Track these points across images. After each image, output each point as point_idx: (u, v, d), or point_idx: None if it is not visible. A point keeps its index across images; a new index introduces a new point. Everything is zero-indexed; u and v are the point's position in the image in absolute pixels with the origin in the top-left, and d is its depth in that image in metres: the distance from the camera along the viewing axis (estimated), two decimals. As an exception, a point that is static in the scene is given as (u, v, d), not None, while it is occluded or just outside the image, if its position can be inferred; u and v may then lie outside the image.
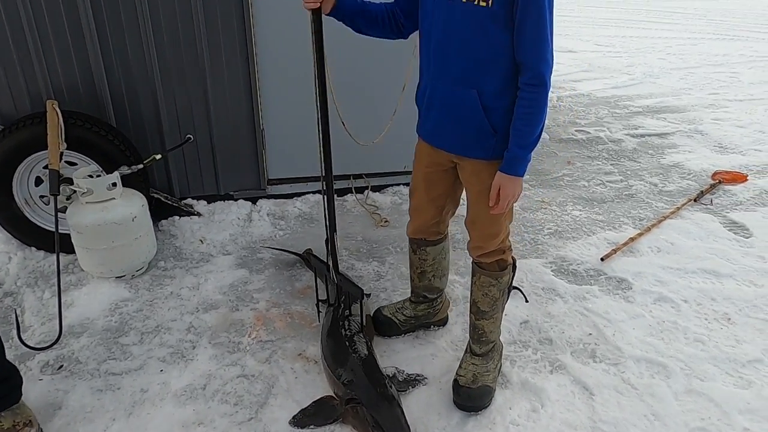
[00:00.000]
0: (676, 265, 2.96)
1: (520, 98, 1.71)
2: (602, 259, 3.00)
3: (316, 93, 2.05)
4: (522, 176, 1.80)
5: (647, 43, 8.86)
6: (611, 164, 4.32)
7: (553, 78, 5.08)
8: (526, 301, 2.57)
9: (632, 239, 3.17)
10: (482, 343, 2.15)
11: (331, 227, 2.24)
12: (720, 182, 3.94)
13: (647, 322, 2.54)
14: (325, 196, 2.21)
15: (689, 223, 3.42)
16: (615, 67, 7.32)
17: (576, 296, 2.70)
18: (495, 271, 2.05)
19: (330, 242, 2.29)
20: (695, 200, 3.68)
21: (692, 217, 3.49)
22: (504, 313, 2.51)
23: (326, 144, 2.14)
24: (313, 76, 2.04)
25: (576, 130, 4.99)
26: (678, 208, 3.56)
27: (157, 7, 2.86)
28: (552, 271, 2.92)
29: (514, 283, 2.21)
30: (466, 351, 2.21)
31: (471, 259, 2.12)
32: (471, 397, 2.04)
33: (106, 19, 2.83)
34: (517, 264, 2.16)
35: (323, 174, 2.18)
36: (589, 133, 4.93)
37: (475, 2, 1.65)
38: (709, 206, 3.64)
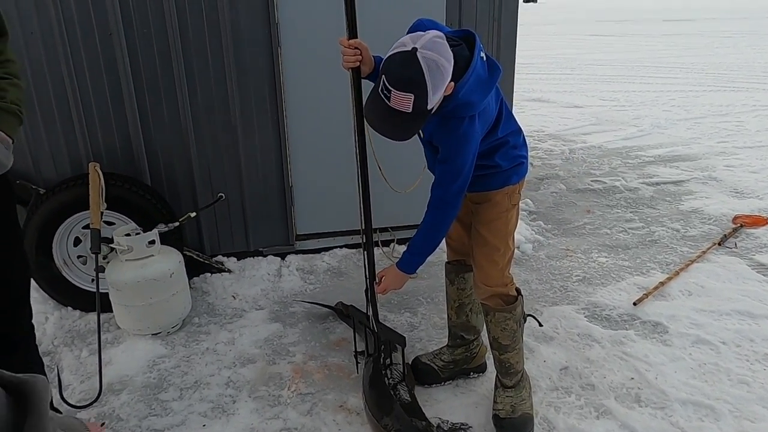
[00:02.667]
0: (709, 308, 2.95)
1: (428, 212, 1.89)
2: (635, 304, 2.99)
3: (356, 146, 2.12)
4: (409, 274, 2.03)
5: (651, 96, 9.08)
6: (631, 212, 4.37)
7: (563, 131, 5.25)
8: (540, 325, 2.53)
9: (662, 283, 3.17)
10: (511, 375, 2.19)
11: (371, 276, 2.27)
12: (741, 226, 3.96)
13: (688, 364, 2.51)
14: (365, 245, 2.25)
15: (716, 266, 3.42)
16: (622, 120, 7.49)
17: (613, 341, 2.68)
18: (505, 306, 2.11)
19: (370, 292, 2.31)
20: (719, 244, 3.70)
21: (719, 260, 3.49)
22: (544, 360, 2.52)
23: (366, 197, 2.18)
24: (354, 131, 2.11)
25: (592, 180, 5.07)
26: (703, 252, 3.57)
27: (193, 73, 3.01)
28: (585, 316, 2.91)
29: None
30: (496, 386, 2.24)
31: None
32: (515, 426, 2.09)
33: (144, 84, 2.98)
34: (522, 294, 2.21)
35: (363, 225, 2.23)
36: (605, 182, 5.00)
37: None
38: (734, 249, 3.65)
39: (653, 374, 2.44)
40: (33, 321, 1.96)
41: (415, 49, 1.55)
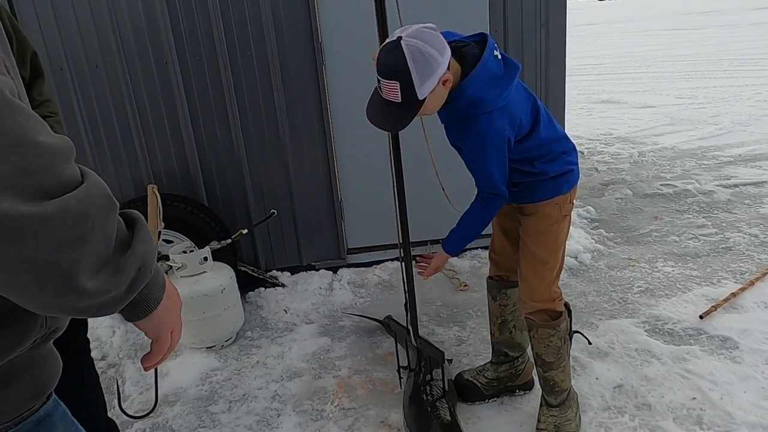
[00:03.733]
0: (788, 321, 2.70)
1: (476, 200, 1.89)
2: (701, 317, 2.79)
3: (391, 162, 2.12)
4: (450, 254, 2.03)
5: (733, 91, 8.48)
6: (703, 217, 4.08)
7: (633, 133, 5.04)
8: (589, 343, 2.40)
9: (734, 294, 2.94)
10: (556, 393, 2.09)
11: (410, 291, 2.26)
12: (832, 230, 3.61)
13: (759, 384, 2.30)
14: (402, 258, 2.25)
15: (800, 275, 3.13)
16: (700, 119, 7.03)
17: (675, 357, 2.51)
18: (549, 321, 2.02)
19: (410, 305, 2.29)
20: (804, 250, 3.38)
21: (802, 269, 3.19)
22: (596, 377, 2.40)
23: (402, 210, 2.18)
24: (388, 143, 2.12)
25: (661, 184, 4.79)
26: (785, 260, 3.28)
27: (243, 95, 3.14)
28: (645, 331, 2.74)
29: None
30: (541, 404, 2.15)
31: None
32: None
33: (198, 109, 3.14)
34: (571, 308, 2.12)
35: (400, 240, 2.22)
36: (676, 186, 4.71)
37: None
38: (821, 256, 3.33)
39: (718, 394, 2.26)
40: (97, 337, 2.09)
41: (399, 38, 1.57)
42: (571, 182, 1.95)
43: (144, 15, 2.95)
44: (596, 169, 5.36)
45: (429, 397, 2.15)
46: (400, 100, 1.61)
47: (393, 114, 1.66)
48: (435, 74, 1.59)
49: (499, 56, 1.74)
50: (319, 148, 3.31)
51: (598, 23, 27.40)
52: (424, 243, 3.58)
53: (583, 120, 7.41)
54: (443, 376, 2.22)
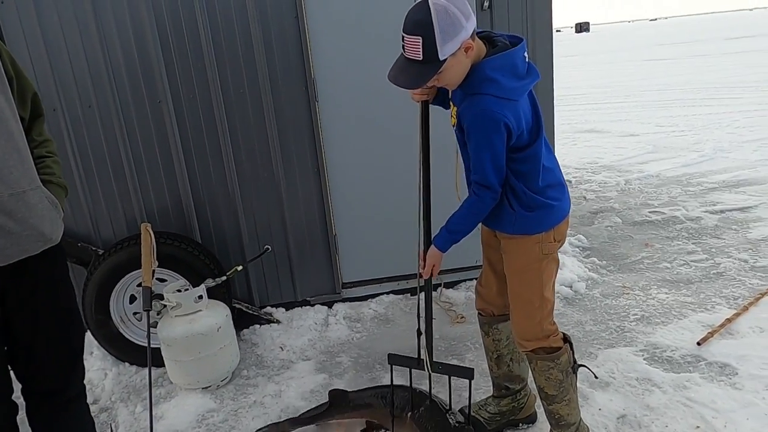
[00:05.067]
0: (784, 346, 2.72)
1: (469, 194, 1.85)
2: (699, 344, 2.80)
3: (419, 182, 2.07)
4: (440, 250, 1.96)
5: (712, 119, 8.70)
6: (693, 243, 4.13)
7: (618, 162, 5.13)
8: (596, 377, 2.39)
9: (729, 320, 2.96)
10: (562, 428, 2.07)
11: (428, 322, 2.18)
12: (819, 253, 3.67)
13: (762, 410, 2.30)
14: (422, 293, 2.18)
15: (791, 298, 3.16)
16: (682, 146, 7.19)
17: (675, 385, 2.51)
18: (547, 355, 2.00)
19: (427, 335, 2.21)
20: (794, 274, 3.43)
21: (794, 293, 3.23)
22: (599, 408, 2.38)
23: (428, 236, 2.13)
24: (419, 167, 2.09)
25: (650, 212, 4.86)
26: (776, 284, 3.32)
27: (236, 133, 3.15)
28: (644, 359, 2.74)
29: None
30: None
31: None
32: None
33: (192, 147, 3.14)
34: (572, 341, 2.09)
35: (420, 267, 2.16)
36: (664, 213, 4.78)
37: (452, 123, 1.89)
38: (811, 279, 3.37)
39: (722, 422, 2.25)
40: (87, 380, 2.04)
41: None
42: (551, 220, 1.91)
43: (137, 54, 2.98)
44: (585, 197, 5.43)
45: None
46: (421, 58, 1.63)
47: (413, 71, 1.67)
48: (458, 36, 1.61)
49: (527, 59, 1.77)
50: (313, 183, 3.32)
51: (577, 54, 28.14)
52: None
53: (568, 149, 7.53)
54: (470, 395, 2.16)
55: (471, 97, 1.74)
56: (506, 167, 1.81)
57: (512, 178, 1.84)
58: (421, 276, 2.08)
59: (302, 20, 3.04)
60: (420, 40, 1.60)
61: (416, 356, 2.24)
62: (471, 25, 1.64)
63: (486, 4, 3.19)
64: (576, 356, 2.74)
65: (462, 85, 1.76)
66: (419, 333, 2.21)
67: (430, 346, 2.24)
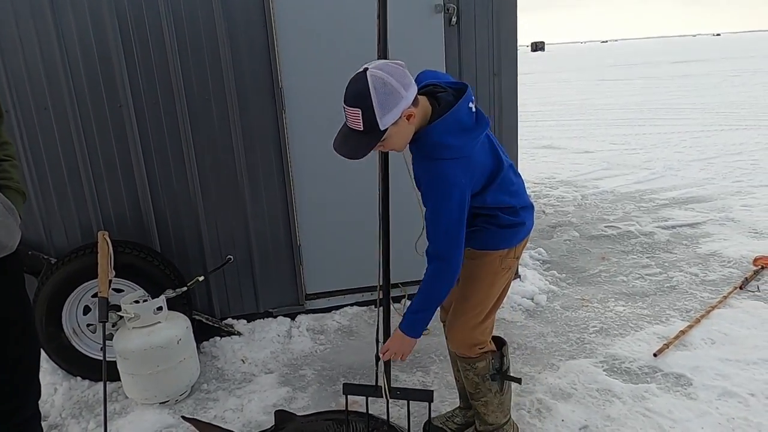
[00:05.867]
0: (734, 357, 2.83)
1: (425, 274, 1.83)
2: (655, 355, 2.88)
3: (379, 205, 2.11)
4: (412, 338, 1.92)
5: (662, 138, 9.07)
6: (647, 257, 4.28)
7: (575, 177, 5.26)
8: (519, 383, 2.38)
9: (683, 332, 3.06)
10: (481, 422, 2.19)
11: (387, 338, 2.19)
12: (763, 268, 3.85)
13: (715, 419, 2.38)
14: (379, 303, 2.20)
15: (739, 311, 3.30)
16: (634, 163, 7.45)
17: (634, 396, 2.57)
18: (465, 358, 2.08)
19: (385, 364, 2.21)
20: (741, 288, 3.58)
21: (741, 306, 3.38)
22: (562, 419, 2.42)
23: (386, 259, 2.15)
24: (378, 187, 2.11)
25: (605, 226, 5.00)
26: (725, 297, 3.46)
27: (201, 140, 3.08)
28: (604, 370, 2.80)
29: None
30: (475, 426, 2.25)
31: None
32: None
33: (153, 153, 3.05)
34: (505, 351, 2.15)
35: (380, 282, 2.18)
36: (619, 228, 4.93)
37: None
38: (756, 293, 3.53)
39: (679, 431, 2.32)
40: (41, 395, 1.93)
41: (366, 69, 1.63)
42: (517, 238, 1.96)
43: (98, 55, 2.88)
44: (544, 211, 5.55)
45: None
46: (362, 128, 1.65)
47: (355, 141, 1.69)
48: (397, 106, 1.62)
49: (474, 109, 1.77)
50: (278, 193, 3.27)
51: (533, 72, 28.91)
52: (396, 286, 3.57)
53: (527, 164, 7.70)
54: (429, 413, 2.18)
55: (425, 161, 1.76)
56: (476, 203, 1.83)
57: (484, 208, 1.87)
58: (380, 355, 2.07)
59: (270, 28, 3.01)
60: (359, 111, 1.62)
61: (374, 381, 2.24)
62: (411, 93, 1.65)
63: (454, 20, 3.23)
64: (538, 367, 2.80)
65: (415, 144, 1.77)
66: (377, 358, 2.21)
67: (388, 373, 2.24)
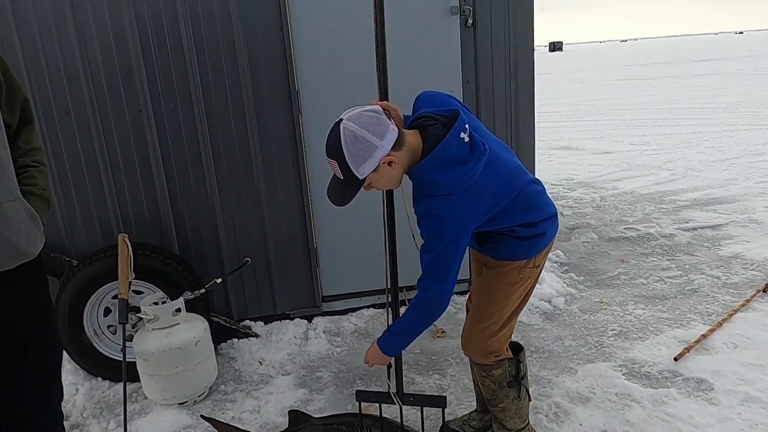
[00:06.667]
0: (758, 361, 2.78)
1: (412, 304, 1.83)
2: (676, 359, 2.84)
3: (384, 213, 2.11)
4: (383, 353, 1.95)
5: (683, 138, 8.93)
6: (667, 260, 4.21)
7: (593, 179, 5.20)
8: (530, 399, 2.35)
9: (704, 336, 3.01)
10: (499, 425, 2.20)
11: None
12: (787, 270, 3.77)
13: (738, 425, 2.34)
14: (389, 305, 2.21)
15: (762, 314, 3.24)
16: (654, 164, 7.35)
17: (654, 401, 2.54)
18: (480, 366, 2.09)
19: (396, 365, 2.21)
20: (764, 291, 3.51)
21: (764, 309, 3.31)
22: (580, 423, 2.38)
23: (393, 259, 2.15)
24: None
25: (625, 228, 4.94)
26: (747, 301, 3.40)
27: (218, 143, 3.12)
28: (623, 374, 2.77)
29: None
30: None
31: None
32: None
33: (172, 156, 3.09)
34: (522, 357, 2.14)
35: (388, 286, 2.19)
36: (638, 230, 4.87)
37: None
38: (780, 296, 3.46)
39: (700, 437, 2.29)
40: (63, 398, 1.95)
41: (340, 120, 1.67)
42: (538, 248, 1.92)
43: (117, 60, 2.93)
44: (562, 213, 5.50)
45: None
46: (342, 177, 1.70)
47: (339, 189, 1.74)
48: (372, 157, 1.64)
49: (467, 138, 1.68)
50: (295, 195, 3.29)
51: (551, 72, 28.68)
52: (398, 290, 3.57)
53: (544, 166, 7.63)
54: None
55: (420, 198, 1.73)
56: (496, 224, 1.81)
57: (506, 225, 1.84)
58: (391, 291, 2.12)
59: (287, 31, 3.03)
60: (336, 163, 1.67)
61: (386, 388, 2.24)
62: (387, 141, 1.64)
63: (470, 21, 3.22)
64: (556, 371, 2.78)
65: (411, 181, 1.75)
66: (389, 366, 2.21)
67: (400, 377, 2.24)
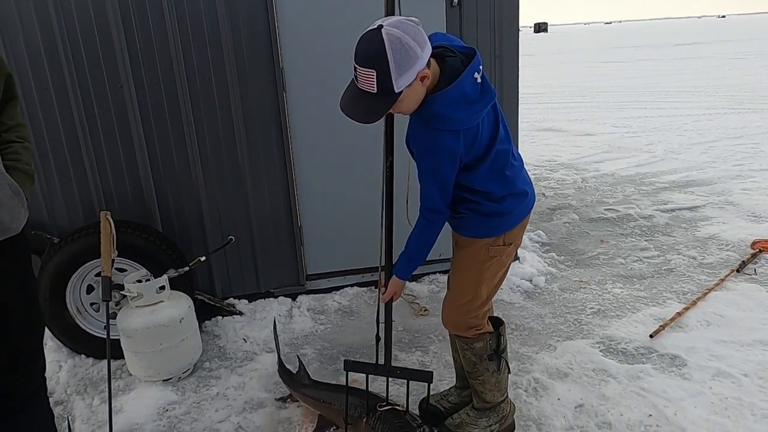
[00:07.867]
0: (729, 338, 2.87)
1: (418, 218, 1.90)
2: (651, 336, 2.92)
3: (383, 188, 2.07)
4: (401, 279, 2.02)
5: (663, 121, 9.04)
6: (645, 240, 4.30)
7: (575, 160, 5.27)
8: (509, 372, 2.41)
9: (679, 314, 3.10)
10: (478, 398, 2.23)
11: (387, 327, 2.21)
12: (760, 251, 3.87)
13: (709, 399, 2.43)
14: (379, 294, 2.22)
15: (736, 294, 3.34)
16: (635, 147, 7.45)
17: (629, 376, 2.61)
18: (462, 338, 2.13)
19: (386, 335, 2.24)
20: (738, 271, 3.61)
21: (738, 288, 3.41)
22: (558, 398, 2.45)
23: (389, 239, 2.13)
24: (383, 167, 2.08)
25: (605, 209, 5.02)
26: (722, 280, 3.49)
27: (201, 119, 3.09)
28: (600, 351, 2.84)
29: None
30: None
31: None
32: None
33: (154, 133, 3.06)
34: (502, 332, 2.19)
35: (382, 263, 2.19)
36: (618, 211, 4.95)
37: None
38: (753, 276, 3.56)
39: (672, 410, 2.36)
40: (46, 372, 1.96)
41: (380, 26, 1.53)
42: (504, 226, 1.94)
43: (98, 35, 2.87)
44: (544, 194, 5.56)
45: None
46: (375, 90, 1.57)
47: (367, 104, 1.61)
48: (413, 67, 1.55)
49: (479, 79, 1.69)
50: (279, 173, 3.28)
51: (535, 54, 28.68)
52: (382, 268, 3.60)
53: (527, 147, 7.69)
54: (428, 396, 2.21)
55: (421, 126, 1.71)
56: (464, 180, 1.83)
57: (469, 191, 1.86)
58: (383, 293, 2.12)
59: (271, 7, 3.00)
60: (374, 73, 1.53)
61: (374, 360, 2.27)
62: (426, 53, 1.58)
63: (455, 1, 3.21)
64: (535, 348, 2.84)
65: (422, 102, 1.71)
66: (378, 339, 2.24)
67: (389, 352, 2.27)
